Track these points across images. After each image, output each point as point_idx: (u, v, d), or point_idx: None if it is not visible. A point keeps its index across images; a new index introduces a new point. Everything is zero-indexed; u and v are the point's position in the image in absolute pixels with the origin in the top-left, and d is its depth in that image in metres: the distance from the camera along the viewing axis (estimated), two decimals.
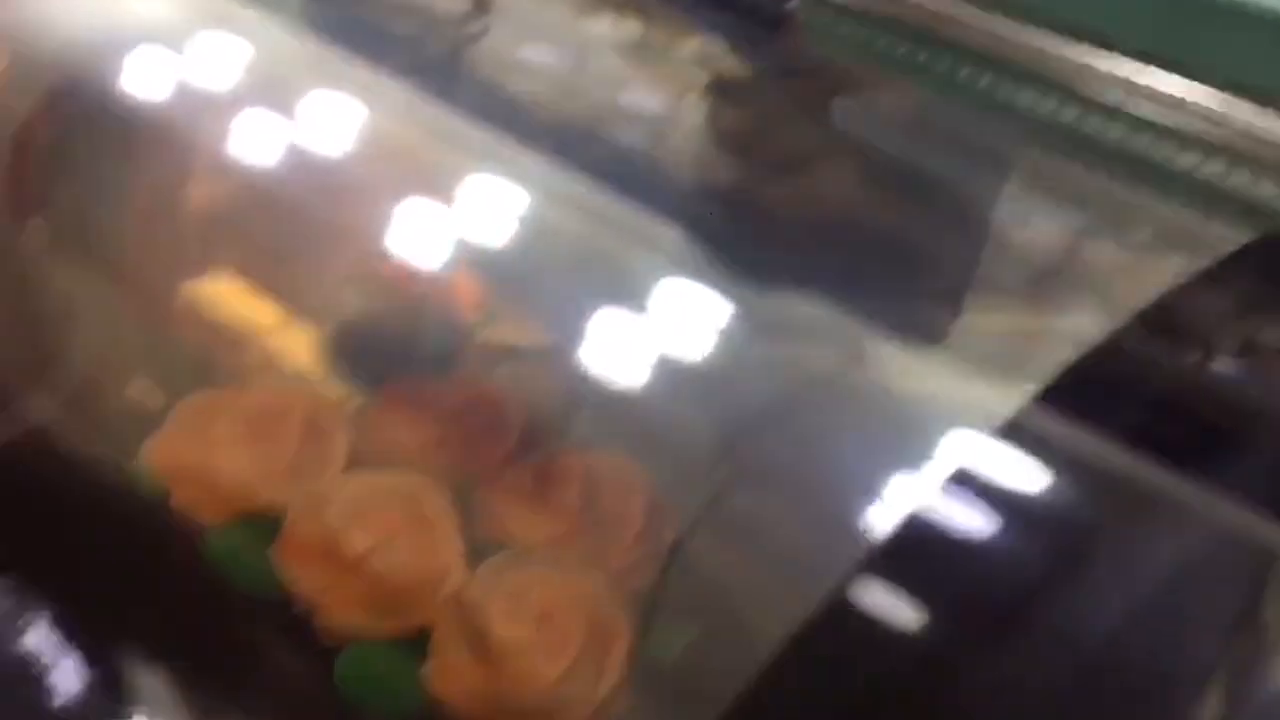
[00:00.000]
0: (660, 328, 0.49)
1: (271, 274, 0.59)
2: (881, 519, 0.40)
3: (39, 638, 0.46)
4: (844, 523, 0.41)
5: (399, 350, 0.61)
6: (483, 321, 0.98)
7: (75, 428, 0.57)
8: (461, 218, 0.55)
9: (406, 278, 0.58)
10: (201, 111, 0.59)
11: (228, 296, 0.59)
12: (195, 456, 0.50)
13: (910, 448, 0.41)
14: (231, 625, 0.49)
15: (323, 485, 0.50)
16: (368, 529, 0.47)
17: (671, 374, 0.49)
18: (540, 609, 0.45)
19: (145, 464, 0.51)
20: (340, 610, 0.46)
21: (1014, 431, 0.40)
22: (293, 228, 0.58)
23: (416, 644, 0.45)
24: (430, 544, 0.48)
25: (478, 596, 0.46)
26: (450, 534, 0.48)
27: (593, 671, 0.44)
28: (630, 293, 0.50)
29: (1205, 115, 0.55)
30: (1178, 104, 0.56)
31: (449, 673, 0.45)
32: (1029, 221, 0.60)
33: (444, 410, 0.55)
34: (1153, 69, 0.57)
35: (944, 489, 0.39)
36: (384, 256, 0.55)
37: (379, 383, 0.53)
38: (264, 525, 0.48)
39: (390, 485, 0.49)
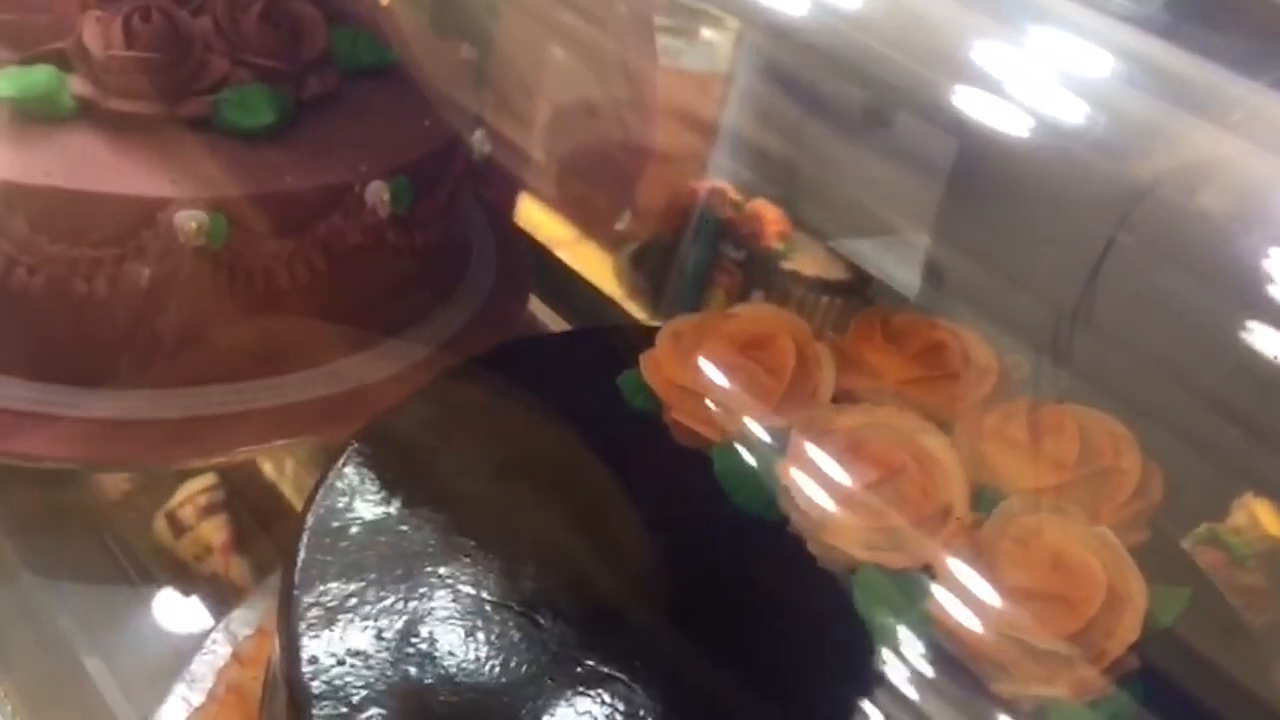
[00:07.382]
0: None
1: None
2: None
3: None
4: None
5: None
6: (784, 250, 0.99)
7: None
8: None
9: None
10: None
11: None
12: (690, 377, 0.52)
13: None
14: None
15: (820, 414, 0.50)
16: (871, 462, 0.48)
17: None
18: (1058, 559, 0.45)
19: (637, 379, 0.53)
20: (842, 538, 0.47)
21: None
22: None
23: (920, 578, 0.45)
24: (935, 481, 0.47)
25: (990, 537, 0.46)
26: (954, 472, 0.48)
27: (1109, 627, 0.44)
28: None
29: None
30: None
31: (953, 609, 0.45)
32: None
33: (917, 349, 0.54)
34: None
35: None
36: None
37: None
38: (766, 447, 0.49)
39: (887, 420, 0.50)
